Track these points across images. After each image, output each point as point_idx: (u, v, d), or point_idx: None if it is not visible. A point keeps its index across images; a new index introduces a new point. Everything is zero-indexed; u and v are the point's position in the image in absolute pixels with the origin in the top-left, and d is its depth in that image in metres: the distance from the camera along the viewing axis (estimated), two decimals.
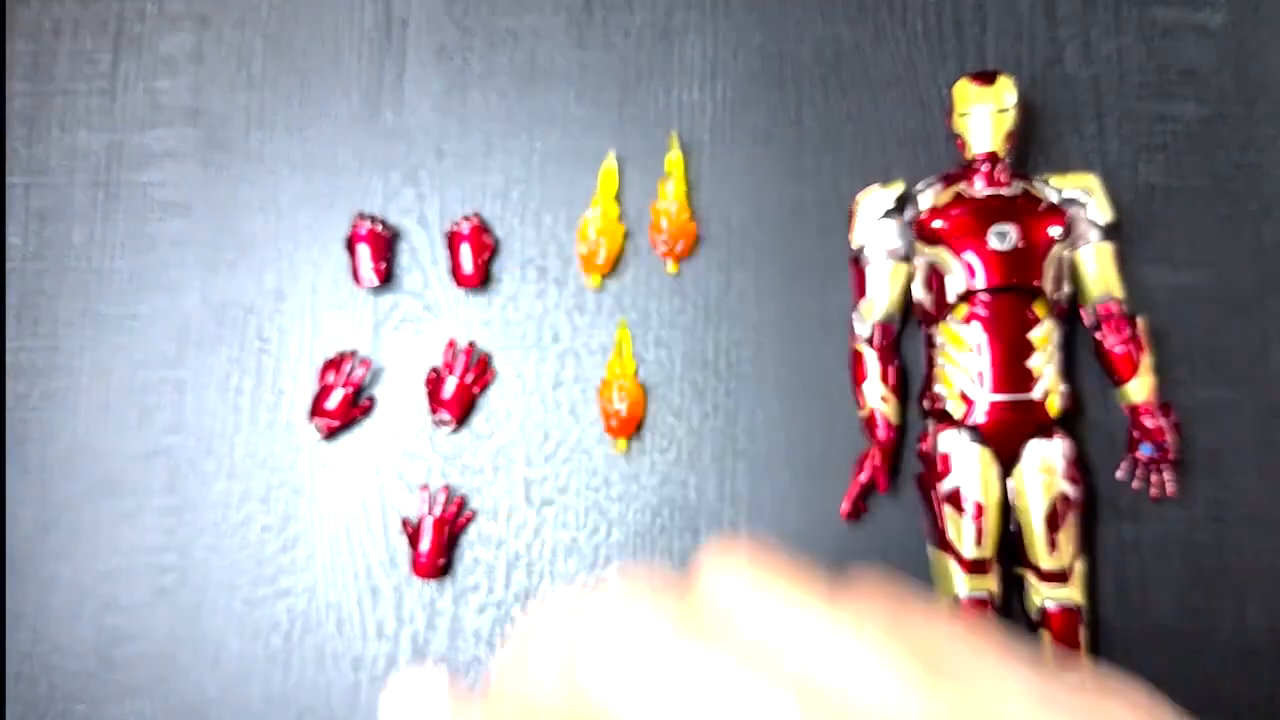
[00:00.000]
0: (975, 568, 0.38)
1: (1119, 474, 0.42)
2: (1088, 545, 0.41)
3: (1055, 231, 0.39)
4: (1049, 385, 0.39)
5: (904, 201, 0.42)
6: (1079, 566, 0.38)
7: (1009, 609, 0.40)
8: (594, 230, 0.43)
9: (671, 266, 0.44)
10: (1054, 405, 0.39)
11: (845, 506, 0.41)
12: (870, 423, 0.41)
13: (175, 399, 0.44)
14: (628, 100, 0.45)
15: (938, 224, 0.40)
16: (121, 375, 0.45)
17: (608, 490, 0.43)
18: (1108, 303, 0.41)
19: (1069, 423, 0.41)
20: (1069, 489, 0.39)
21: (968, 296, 0.39)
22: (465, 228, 0.43)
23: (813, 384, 0.43)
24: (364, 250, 0.43)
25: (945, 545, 0.39)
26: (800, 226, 0.44)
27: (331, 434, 0.43)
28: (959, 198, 0.40)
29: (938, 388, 0.40)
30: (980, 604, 0.38)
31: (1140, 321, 0.41)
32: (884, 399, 0.41)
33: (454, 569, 0.43)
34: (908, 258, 0.42)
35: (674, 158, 0.44)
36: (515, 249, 0.45)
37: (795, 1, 0.46)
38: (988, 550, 0.38)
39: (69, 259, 0.46)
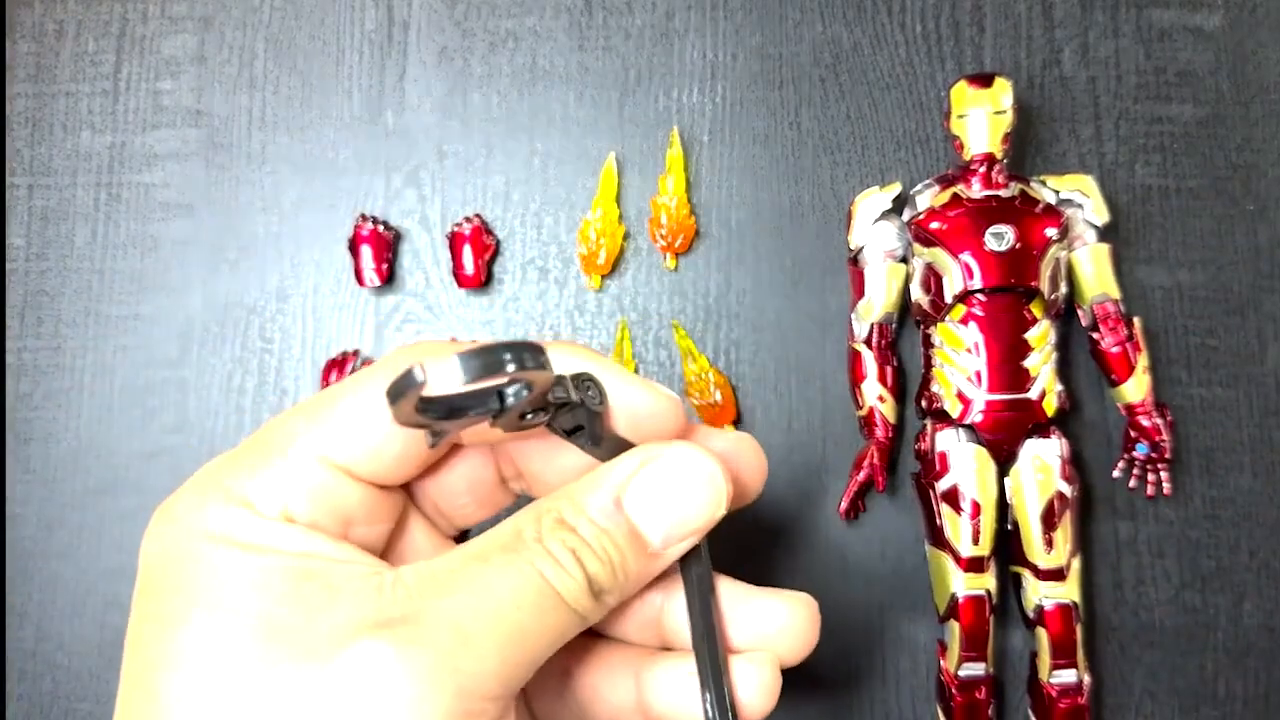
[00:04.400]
0: (972, 566, 0.38)
1: (1115, 473, 0.42)
2: (1084, 543, 0.41)
3: (1052, 232, 0.39)
4: (1045, 385, 0.39)
5: (901, 203, 0.42)
6: (1075, 564, 0.39)
7: (1006, 607, 0.41)
8: (594, 231, 0.43)
9: (670, 262, 0.44)
10: (1050, 404, 0.39)
11: (843, 505, 0.41)
12: (868, 422, 0.41)
13: (178, 399, 0.45)
14: (628, 101, 0.45)
15: (935, 225, 0.40)
16: (124, 375, 0.45)
17: None
18: (1104, 303, 0.41)
19: (1065, 422, 0.41)
20: (1065, 488, 0.39)
21: (965, 297, 0.39)
22: (466, 229, 0.44)
23: (811, 384, 0.43)
24: (366, 251, 0.44)
25: (942, 543, 0.39)
26: (799, 227, 0.44)
27: None
28: (956, 199, 0.40)
29: (935, 387, 0.40)
30: (978, 601, 0.38)
31: (1136, 321, 0.41)
32: (881, 398, 0.41)
33: None
34: (905, 259, 0.42)
35: (675, 154, 0.44)
36: (516, 250, 0.45)
37: (794, 4, 0.46)
38: (985, 548, 0.38)
39: (72, 259, 0.46)
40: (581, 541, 0.24)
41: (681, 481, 0.26)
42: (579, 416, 0.26)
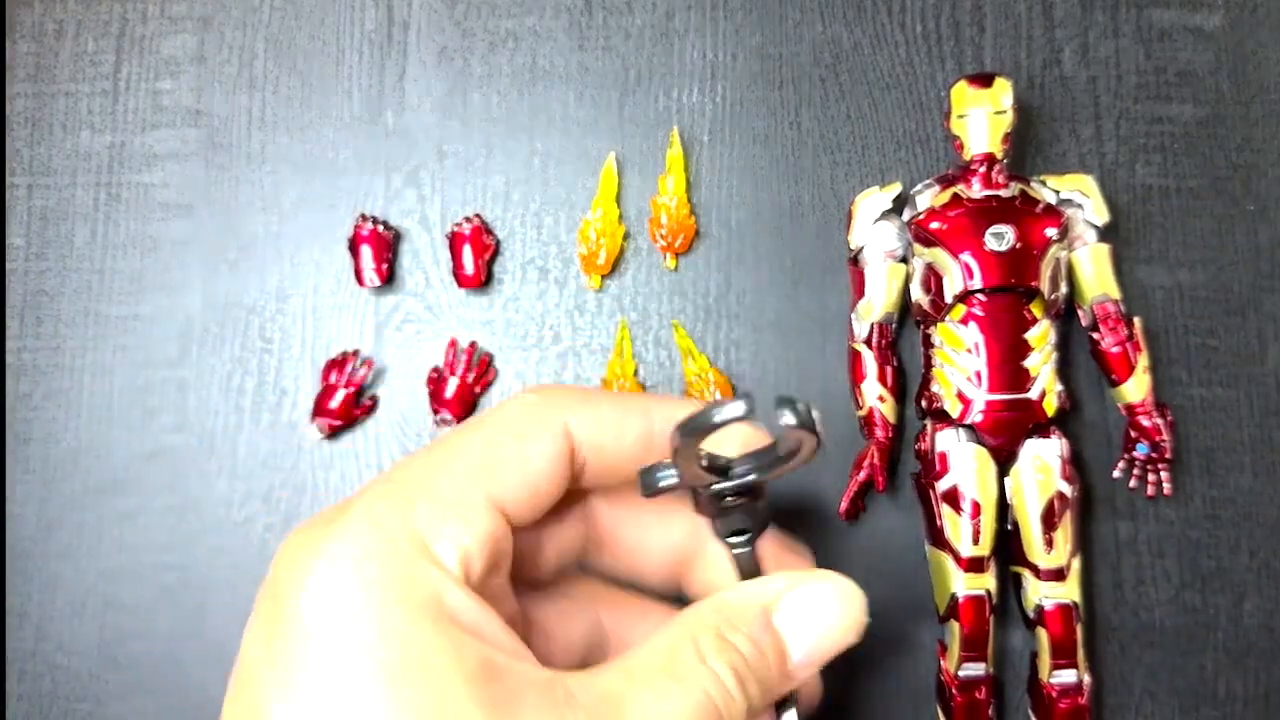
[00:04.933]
0: (973, 566, 0.38)
1: (1115, 473, 0.42)
2: (1084, 543, 0.41)
3: (1052, 232, 0.39)
4: (1045, 385, 0.39)
5: (902, 203, 0.42)
6: (1075, 565, 0.39)
7: (1006, 607, 0.41)
8: (594, 231, 0.43)
9: (670, 261, 0.44)
10: (1050, 404, 0.39)
11: (844, 505, 0.41)
12: (868, 422, 0.41)
13: (178, 399, 0.45)
14: (628, 101, 0.45)
15: (935, 225, 0.40)
16: (124, 375, 0.45)
17: None
18: (1104, 303, 0.41)
19: (1065, 422, 0.41)
20: (1065, 488, 0.39)
21: (965, 297, 0.39)
22: (466, 229, 0.44)
23: (811, 384, 0.43)
24: (366, 251, 0.44)
25: (943, 543, 0.39)
26: (799, 227, 0.44)
27: (334, 434, 0.44)
28: (956, 199, 0.40)
29: (935, 387, 0.40)
30: (978, 601, 0.38)
31: (1137, 321, 0.41)
32: (881, 399, 0.41)
33: None
34: (905, 259, 0.42)
35: (675, 154, 0.44)
36: (516, 250, 0.45)
37: (794, 3, 0.46)
38: (985, 548, 0.38)
39: (71, 259, 0.46)
40: (744, 661, 0.25)
41: (833, 604, 0.27)
42: (748, 519, 0.26)
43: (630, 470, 0.27)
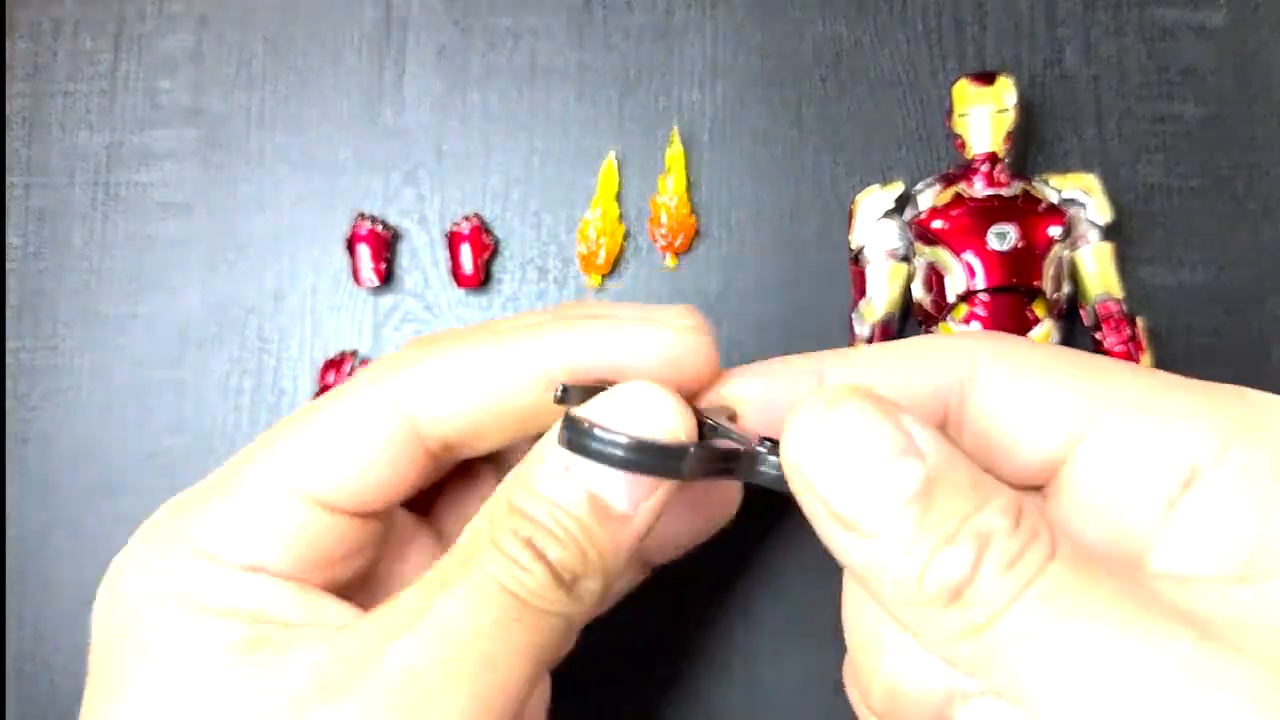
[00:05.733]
0: None
1: None
2: None
3: (1055, 232, 0.39)
4: None
5: (903, 202, 0.42)
6: None
7: None
8: (594, 230, 0.43)
9: (670, 261, 0.44)
10: None
11: None
12: None
13: (175, 399, 0.44)
14: (628, 100, 0.45)
15: (937, 224, 0.40)
16: (122, 375, 0.45)
17: None
18: (1107, 303, 0.41)
19: None
20: None
21: (967, 297, 0.39)
22: (465, 228, 0.44)
23: None
24: (364, 250, 0.43)
25: None
26: (800, 227, 0.44)
27: None
28: (958, 198, 0.40)
29: None
30: None
31: (1140, 321, 0.41)
32: None
33: None
34: (907, 258, 0.42)
35: (675, 153, 0.44)
36: (515, 249, 0.45)
37: (795, 1, 0.46)
38: None
39: (69, 259, 0.46)
40: (535, 525, 0.21)
41: (631, 415, 0.21)
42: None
43: (545, 423, 0.23)
